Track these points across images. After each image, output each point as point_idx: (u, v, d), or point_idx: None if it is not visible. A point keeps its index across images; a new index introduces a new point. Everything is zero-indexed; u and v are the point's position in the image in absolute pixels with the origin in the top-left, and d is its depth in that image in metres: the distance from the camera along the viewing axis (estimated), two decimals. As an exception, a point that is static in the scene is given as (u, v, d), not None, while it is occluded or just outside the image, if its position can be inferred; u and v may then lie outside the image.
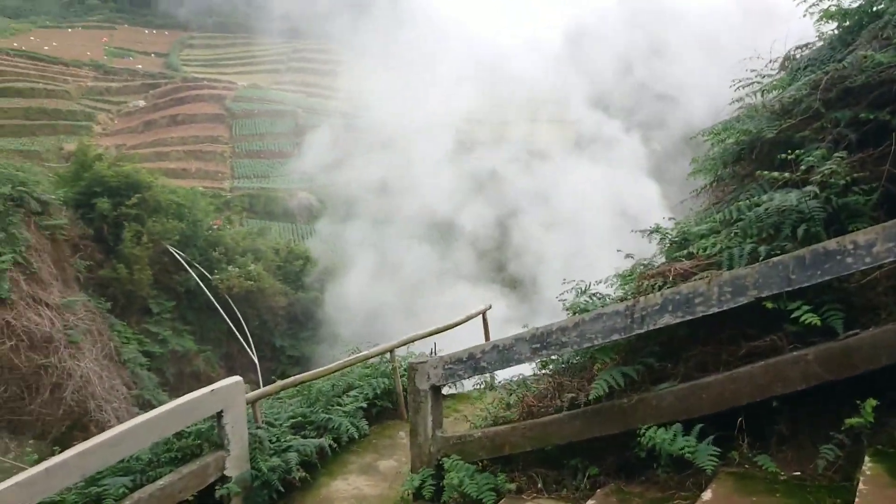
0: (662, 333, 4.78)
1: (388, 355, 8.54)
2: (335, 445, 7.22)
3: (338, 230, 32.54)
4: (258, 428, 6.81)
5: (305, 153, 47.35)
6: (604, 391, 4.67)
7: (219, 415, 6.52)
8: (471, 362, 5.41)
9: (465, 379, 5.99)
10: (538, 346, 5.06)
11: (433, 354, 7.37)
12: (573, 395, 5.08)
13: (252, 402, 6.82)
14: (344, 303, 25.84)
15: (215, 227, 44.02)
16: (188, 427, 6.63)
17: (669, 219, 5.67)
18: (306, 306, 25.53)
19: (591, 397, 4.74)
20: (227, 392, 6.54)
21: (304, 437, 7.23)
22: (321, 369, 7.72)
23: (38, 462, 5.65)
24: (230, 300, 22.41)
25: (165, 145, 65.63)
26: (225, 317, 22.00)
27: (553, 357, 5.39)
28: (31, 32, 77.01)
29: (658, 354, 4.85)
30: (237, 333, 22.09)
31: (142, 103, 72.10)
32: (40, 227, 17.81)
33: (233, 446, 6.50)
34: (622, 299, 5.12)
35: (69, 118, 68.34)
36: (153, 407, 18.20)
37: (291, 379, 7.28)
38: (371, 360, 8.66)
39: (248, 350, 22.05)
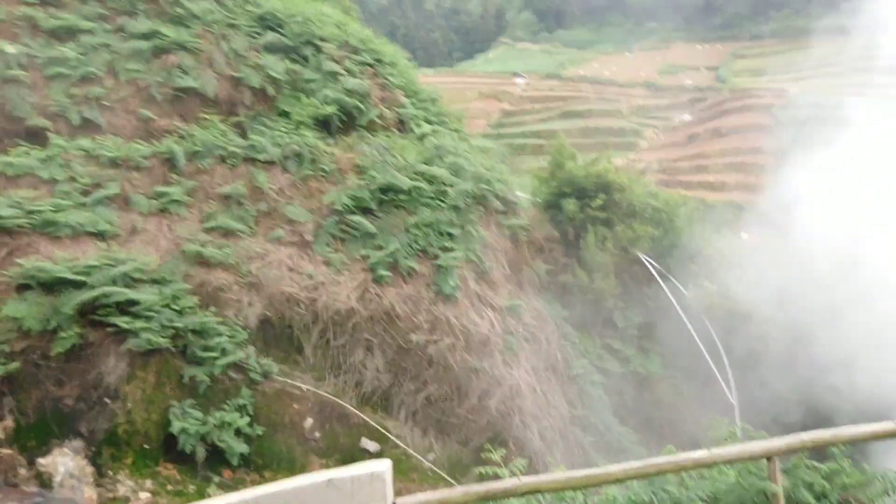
0: None
1: (763, 463, 4.36)
2: None
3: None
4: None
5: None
6: None
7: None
8: None
9: None
10: None
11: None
12: None
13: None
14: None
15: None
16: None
17: None
18: (816, 341, 19.80)
19: None
20: (352, 486, 3.56)
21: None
22: (607, 470, 4.09)
23: None
24: (708, 323, 18.59)
25: (706, 158, 63.35)
26: (698, 341, 18.27)
27: None
28: (595, 59, 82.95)
29: None
30: (711, 364, 18.15)
31: (687, 117, 71.09)
32: (501, 226, 17.01)
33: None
34: None
35: (619, 135, 71.51)
36: (597, 432, 15.74)
37: (532, 480, 3.89)
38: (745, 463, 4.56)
39: (725, 386, 17.92)
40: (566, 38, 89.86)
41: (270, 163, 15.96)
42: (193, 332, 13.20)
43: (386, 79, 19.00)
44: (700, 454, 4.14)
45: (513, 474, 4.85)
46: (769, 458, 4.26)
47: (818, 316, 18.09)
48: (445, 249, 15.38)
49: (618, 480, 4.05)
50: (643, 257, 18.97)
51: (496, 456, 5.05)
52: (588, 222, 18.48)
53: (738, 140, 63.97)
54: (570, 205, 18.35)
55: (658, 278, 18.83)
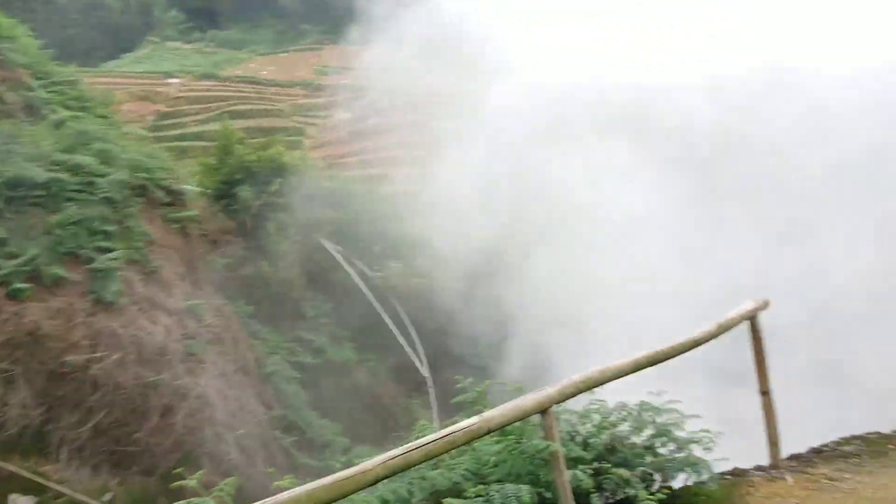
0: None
1: (535, 419, 3.54)
2: None
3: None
4: None
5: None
6: None
7: None
8: None
9: None
10: None
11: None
12: None
13: None
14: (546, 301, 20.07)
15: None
16: None
17: None
18: (492, 306, 20.65)
19: None
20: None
21: None
22: (352, 471, 2.85)
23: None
24: (395, 301, 18.37)
25: (368, 153, 64.91)
26: (388, 321, 17.95)
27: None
28: (252, 60, 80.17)
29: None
30: (402, 341, 17.95)
31: (347, 115, 72.39)
32: (167, 219, 14.74)
33: None
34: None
35: (283, 134, 69.94)
36: (298, 430, 14.31)
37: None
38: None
39: (416, 361, 17.83)
40: (220, 38, 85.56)
41: None
42: None
43: (2, 55, 15.41)
44: (470, 422, 3.14)
45: (220, 504, 3.39)
46: (544, 412, 3.45)
47: (499, 285, 18.99)
48: (102, 250, 12.78)
49: (378, 479, 2.87)
50: (326, 243, 18.06)
51: (194, 482, 3.52)
52: (266, 210, 16.96)
53: (398, 135, 66.71)
54: (245, 192, 16.65)
55: (343, 262, 18.09)
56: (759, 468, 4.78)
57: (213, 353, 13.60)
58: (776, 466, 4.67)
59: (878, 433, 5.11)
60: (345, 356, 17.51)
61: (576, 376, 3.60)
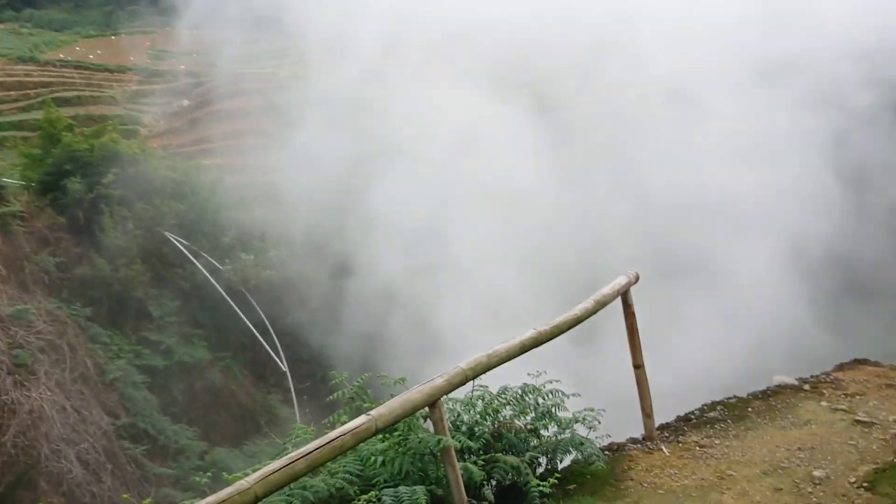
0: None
1: (423, 412, 3.30)
2: None
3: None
4: None
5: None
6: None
7: None
8: None
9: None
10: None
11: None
12: None
13: None
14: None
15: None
16: None
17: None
18: (349, 296, 20.19)
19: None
20: None
21: None
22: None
23: None
24: (248, 294, 17.47)
25: (210, 142, 61.81)
26: (242, 316, 17.05)
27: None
28: (77, 43, 73.68)
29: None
30: (258, 335, 17.12)
31: (186, 103, 68.42)
32: (-17, 216, 13.11)
33: None
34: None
35: (116, 122, 65.05)
36: (149, 438, 13.24)
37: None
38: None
39: (274, 355, 17.08)
40: (38, 19, 77.84)
41: None
42: None
43: None
44: (359, 423, 2.83)
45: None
46: (432, 405, 3.21)
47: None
48: None
49: (258, 498, 2.50)
50: (170, 236, 16.81)
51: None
52: (101, 203, 15.48)
53: (240, 123, 64.02)
54: (75, 184, 15.08)
55: (190, 256, 16.94)
56: (634, 441, 4.84)
57: (47, 363, 12.27)
58: (651, 438, 4.75)
59: (737, 397, 5.34)
60: (197, 356, 16.44)
61: (462, 363, 3.39)
